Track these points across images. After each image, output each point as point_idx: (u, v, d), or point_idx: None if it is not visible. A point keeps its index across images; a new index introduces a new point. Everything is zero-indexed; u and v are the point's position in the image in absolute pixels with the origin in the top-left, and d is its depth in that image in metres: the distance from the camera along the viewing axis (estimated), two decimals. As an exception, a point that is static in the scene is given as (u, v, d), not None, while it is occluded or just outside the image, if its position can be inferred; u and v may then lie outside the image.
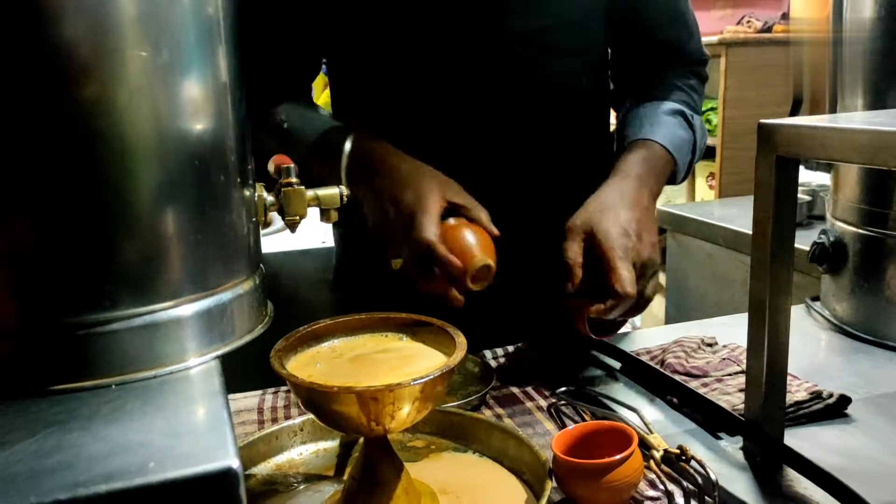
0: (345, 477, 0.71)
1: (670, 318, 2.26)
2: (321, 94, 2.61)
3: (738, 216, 1.95)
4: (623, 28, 1.10)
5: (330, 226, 1.26)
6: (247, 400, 0.96)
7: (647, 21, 1.11)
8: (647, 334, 1.20)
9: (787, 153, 0.69)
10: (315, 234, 1.89)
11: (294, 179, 0.61)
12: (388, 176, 0.89)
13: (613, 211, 0.90)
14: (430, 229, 0.83)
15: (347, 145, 0.91)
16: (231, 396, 0.98)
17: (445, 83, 1.02)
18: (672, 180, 1.09)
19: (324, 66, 1.18)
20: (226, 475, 0.37)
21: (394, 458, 0.69)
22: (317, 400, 0.63)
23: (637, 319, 3.32)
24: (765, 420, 0.75)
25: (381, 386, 0.61)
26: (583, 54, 1.08)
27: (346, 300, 1.21)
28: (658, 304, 2.98)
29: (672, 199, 3.19)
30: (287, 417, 0.88)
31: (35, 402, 0.45)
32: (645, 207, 0.94)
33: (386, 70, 1.03)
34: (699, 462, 0.68)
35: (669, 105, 1.10)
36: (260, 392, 0.98)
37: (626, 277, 0.85)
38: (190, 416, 0.43)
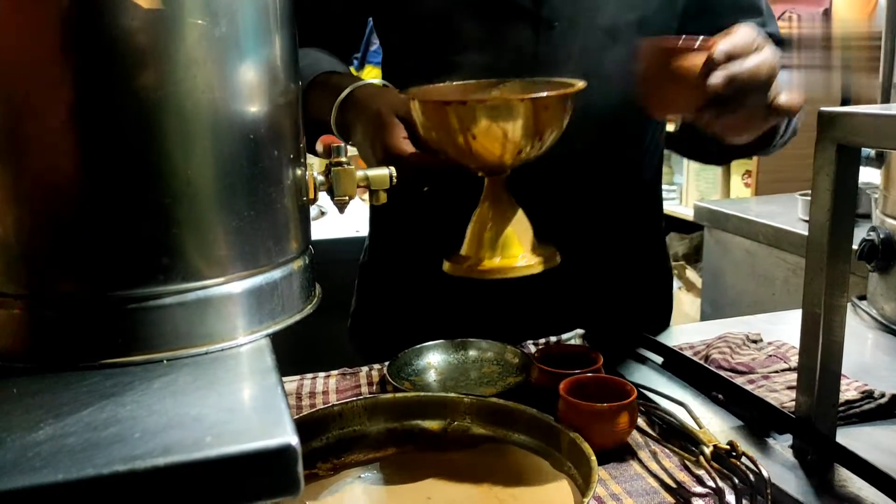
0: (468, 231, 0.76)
1: (706, 316, 2.23)
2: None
3: (779, 213, 1.92)
4: (691, 21, 1.05)
5: (365, 215, 1.25)
6: (286, 385, 0.96)
7: (715, 8, 1.05)
8: (687, 330, 1.18)
9: (848, 142, 0.67)
10: (349, 223, 1.89)
11: (344, 159, 0.61)
12: (358, 117, 0.84)
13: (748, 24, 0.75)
14: (390, 137, 0.77)
15: (347, 90, 0.86)
16: (268, 381, 0.98)
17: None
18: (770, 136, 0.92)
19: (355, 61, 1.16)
20: (284, 452, 0.36)
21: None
22: (476, 117, 0.67)
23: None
24: (817, 418, 0.73)
25: (554, 93, 0.68)
26: None
27: (374, 285, 1.21)
28: (692, 302, 2.94)
29: (706, 195, 3.14)
30: (325, 403, 0.88)
31: (88, 374, 0.44)
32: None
33: (453, 64, 1.01)
34: (751, 459, 0.66)
35: None
36: (298, 377, 0.97)
37: (738, 35, 0.71)
38: (243, 392, 0.43)
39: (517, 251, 0.73)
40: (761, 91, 0.72)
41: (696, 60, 0.69)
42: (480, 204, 0.75)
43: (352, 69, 3.14)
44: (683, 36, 0.73)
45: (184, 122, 0.45)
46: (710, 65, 0.69)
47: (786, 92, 0.75)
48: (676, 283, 3.35)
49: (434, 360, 0.98)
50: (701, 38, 0.72)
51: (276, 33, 0.51)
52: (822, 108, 0.70)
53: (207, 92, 0.46)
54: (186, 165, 0.46)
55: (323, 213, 2.08)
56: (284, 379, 0.96)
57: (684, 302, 3.19)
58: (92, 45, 0.43)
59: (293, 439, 0.37)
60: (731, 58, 0.69)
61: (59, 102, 0.43)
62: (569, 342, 1.03)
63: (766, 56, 0.72)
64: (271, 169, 0.51)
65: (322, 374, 0.98)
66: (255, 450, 0.36)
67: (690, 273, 3.04)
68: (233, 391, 0.42)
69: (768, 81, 0.72)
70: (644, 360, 0.98)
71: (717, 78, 0.68)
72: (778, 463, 0.74)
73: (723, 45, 0.70)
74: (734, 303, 2.03)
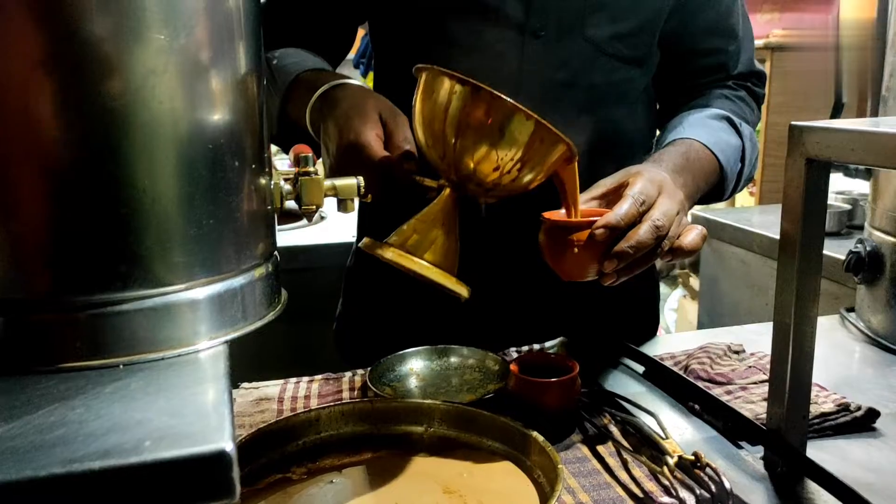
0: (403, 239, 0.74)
1: (702, 325, 2.23)
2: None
3: (776, 223, 1.91)
4: (669, 39, 1.06)
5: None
6: (268, 389, 0.97)
7: (692, 31, 1.07)
8: (674, 339, 1.19)
9: (818, 156, 0.67)
10: (346, 228, 1.90)
11: (311, 169, 0.62)
12: (337, 108, 0.82)
13: (643, 177, 0.80)
14: (364, 127, 0.77)
15: (325, 87, 0.86)
16: (253, 385, 0.99)
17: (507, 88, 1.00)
18: (719, 192, 1.02)
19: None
20: (219, 458, 0.37)
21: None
22: (479, 108, 0.66)
23: (672, 324, 3.28)
24: (787, 430, 0.73)
25: (559, 134, 0.68)
26: (643, 65, 1.05)
27: (360, 290, 1.21)
28: (690, 310, 2.94)
29: (710, 205, 3.13)
30: (306, 408, 0.89)
31: (44, 378, 0.45)
32: (674, 198, 0.81)
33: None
34: (714, 470, 0.67)
35: (713, 110, 1.05)
36: (282, 381, 0.98)
37: (622, 208, 0.75)
38: (192, 397, 0.44)
39: (435, 259, 0.72)
40: (652, 251, 0.76)
41: (586, 235, 0.74)
42: (429, 207, 0.74)
43: (358, 74, 3.16)
44: (580, 209, 0.77)
45: (142, 131, 0.46)
46: (593, 240, 0.73)
47: (686, 233, 0.80)
48: (681, 292, 3.34)
49: (416, 366, 0.99)
50: (594, 215, 0.76)
51: (238, 44, 0.52)
52: (793, 122, 0.70)
53: (166, 102, 0.47)
54: (144, 174, 0.47)
55: (323, 218, 2.10)
56: (268, 383, 0.98)
57: (688, 310, 3.19)
58: (50, 54, 0.44)
59: (228, 445, 0.37)
60: (616, 230, 0.73)
61: (18, 111, 0.44)
62: (551, 350, 1.03)
63: (654, 216, 0.76)
64: (232, 178, 0.52)
65: (305, 379, 0.99)
66: (190, 455, 0.37)
67: (694, 282, 3.03)
68: (181, 396, 0.43)
69: (658, 241, 0.76)
70: (626, 370, 0.99)
71: (607, 267, 0.74)
72: (748, 474, 0.74)
73: (604, 220, 0.74)
74: (730, 312, 2.03)
